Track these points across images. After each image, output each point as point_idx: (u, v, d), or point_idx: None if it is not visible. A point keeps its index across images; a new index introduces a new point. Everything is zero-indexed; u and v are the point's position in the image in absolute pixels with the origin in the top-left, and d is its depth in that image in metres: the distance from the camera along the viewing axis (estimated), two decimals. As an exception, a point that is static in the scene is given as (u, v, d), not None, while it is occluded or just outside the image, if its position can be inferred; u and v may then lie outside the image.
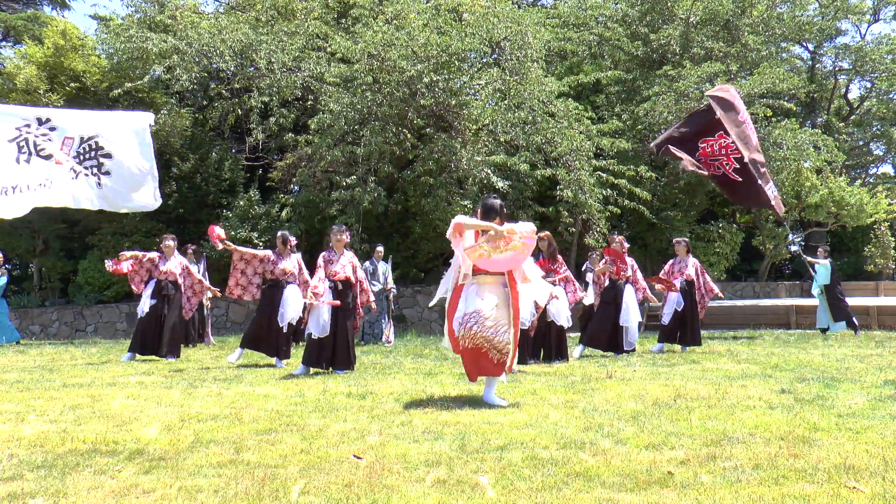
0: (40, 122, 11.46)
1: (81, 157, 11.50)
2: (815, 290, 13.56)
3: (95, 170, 11.54)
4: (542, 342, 9.76)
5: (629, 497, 3.51)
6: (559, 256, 10.00)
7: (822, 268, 13.38)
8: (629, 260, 10.80)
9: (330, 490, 3.65)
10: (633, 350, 10.57)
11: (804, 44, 24.16)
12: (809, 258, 13.84)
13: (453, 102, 14.55)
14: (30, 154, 11.26)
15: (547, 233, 10.11)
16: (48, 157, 11.34)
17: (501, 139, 14.95)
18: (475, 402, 6.12)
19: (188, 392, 6.97)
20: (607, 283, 10.75)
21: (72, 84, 16.32)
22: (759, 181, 11.91)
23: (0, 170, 11.08)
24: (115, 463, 4.21)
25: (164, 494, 3.63)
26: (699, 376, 7.75)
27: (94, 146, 11.57)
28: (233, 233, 16.15)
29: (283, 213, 16.02)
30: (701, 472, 3.86)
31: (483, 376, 6.19)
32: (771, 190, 12.23)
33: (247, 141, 17.72)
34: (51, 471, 4.05)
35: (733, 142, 11.73)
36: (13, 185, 11.05)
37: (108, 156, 11.63)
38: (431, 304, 7.14)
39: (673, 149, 12.13)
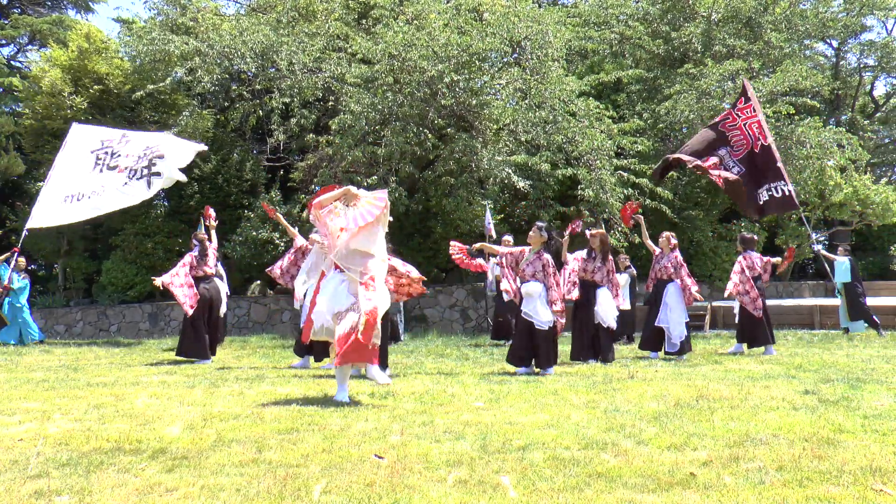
0: (123, 137, 12.62)
1: (138, 161, 12.09)
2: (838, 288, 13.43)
3: (146, 171, 12.07)
4: (592, 343, 9.74)
5: (651, 498, 3.49)
6: (610, 258, 9.91)
7: (841, 265, 13.25)
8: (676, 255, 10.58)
9: (351, 489, 3.66)
10: (680, 351, 10.07)
11: (828, 41, 23.90)
12: (826, 253, 13.65)
13: (474, 102, 14.54)
14: (102, 167, 12.03)
15: (602, 231, 10.08)
16: (114, 168, 12.04)
17: (522, 139, 14.92)
18: (497, 403, 6.11)
19: (210, 391, 7.02)
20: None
21: (95, 87, 16.49)
22: (764, 178, 11.70)
23: (72, 179, 12.17)
24: (138, 461, 4.24)
25: (186, 493, 3.66)
26: (721, 377, 7.70)
27: (152, 152, 12.17)
28: (254, 233, 16.27)
29: (305, 214, 16.08)
30: (724, 474, 3.83)
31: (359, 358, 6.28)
32: (775, 188, 11.90)
33: (268, 142, 17.82)
34: (76, 469, 4.09)
35: (722, 158, 11.68)
36: (75, 194, 11.84)
37: (161, 157, 12.17)
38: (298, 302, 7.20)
39: (672, 158, 12.05)
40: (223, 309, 11.16)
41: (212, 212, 11.33)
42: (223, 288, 11.02)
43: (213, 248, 10.91)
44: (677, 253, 10.47)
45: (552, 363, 8.49)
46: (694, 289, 10.22)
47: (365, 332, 6.11)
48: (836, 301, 14.16)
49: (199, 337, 10.44)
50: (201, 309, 10.48)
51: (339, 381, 6.44)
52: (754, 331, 10.66)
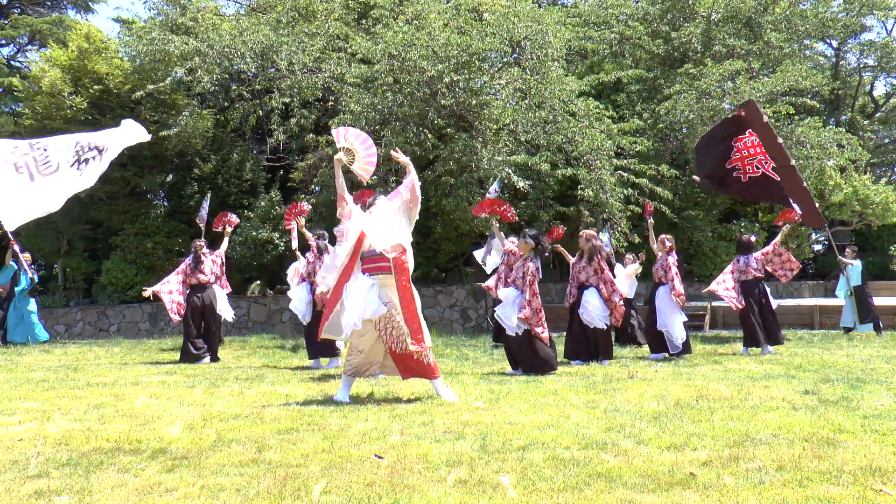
0: (32, 146, 11.70)
1: (80, 155, 11.64)
2: (843, 291, 13.38)
3: (93, 158, 11.67)
4: (585, 343, 9.74)
5: (651, 498, 3.49)
6: (596, 257, 9.85)
7: (855, 269, 13.24)
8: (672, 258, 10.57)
9: (351, 489, 3.66)
10: (682, 352, 10.10)
11: (828, 41, 23.89)
12: (845, 259, 13.65)
13: (474, 102, 14.52)
14: (31, 175, 11.46)
15: (589, 231, 10.07)
16: (53, 172, 11.54)
17: (522, 139, 14.90)
18: (496, 403, 6.11)
19: (210, 391, 7.02)
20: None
21: (95, 87, 16.47)
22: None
23: (12, 185, 11.37)
24: (138, 461, 4.24)
25: (186, 493, 3.66)
26: (721, 377, 7.69)
27: (89, 147, 11.72)
28: (254, 233, 16.27)
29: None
30: (723, 474, 3.83)
31: (420, 375, 6.46)
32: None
33: (268, 142, 17.82)
34: (76, 469, 4.09)
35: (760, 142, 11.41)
36: (23, 196, 11.33)
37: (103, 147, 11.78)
38: (321, 290, 7.27)
39: (708, 173, 11.81)
40: (227, 314, 11.06)
41: (234, 218, 11.34)
42: (221, 294, 10.95)
43: (217, 253, 10.91)
44: (670, 256, 10.47)
45: (538, 371, 8.41)
46: (672, 293, 10.21)
47: (417, 345, 6.29)
48: (837, 301, 14.15)
49: (190, 342, 10.64)
50: (191, 315, 10.64)
51: (344, 382, 6.45)
52: (747, 331, 10.72)
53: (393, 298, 6.31)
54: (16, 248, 13.08)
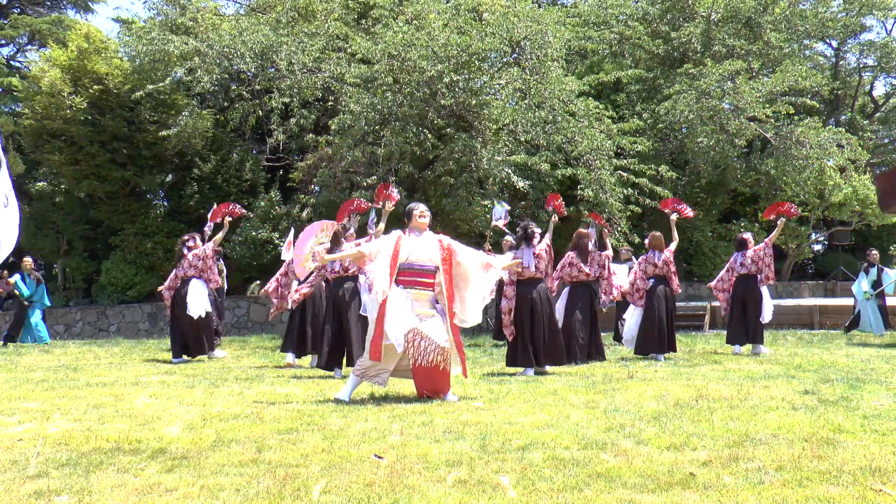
0: None
1: None
2: (863, 293, 13.30)
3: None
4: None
5: (651, 498, 3.49)
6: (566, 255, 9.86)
7: (886, 274, 13.26)
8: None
9: (351, 489, 3.66)
10: (624, 345, 10.71)
11: (828, 41, 23.89)
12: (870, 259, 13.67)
13: (473, 102, 14.52)
14: None
15: (580, 230, 10.09)
16: None
17: (522, 139, 14.91)
18: (496, 403, 6.11)
19: (210, 391, 7.02)
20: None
21: (95, 87, 16.48)
22: None
23: None
24: (138, 461, 4.24)
25: (186, 493, 3.65)
26: (721, 377, 7.69)
27: None
28: (254, 233, 16.27)
29: (304, 214, 16.09)
30: (723, 474, 3.83)
31: (437, 390, 6.37)
32: None
33: (267, 142, 17.84)
34: (75, 469, 4.09)
35: None
36: None
37: None
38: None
39: None
40: (194, 309, 10.41)
41: (239, 209, 11.13)
42: (196, 288, 10.54)
43: (204, 247, 10.76)
44: (647, 254, 10.48)
45: (508, 362, 8.61)
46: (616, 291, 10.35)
47: (446, 363, 6.32)
48: (836, 301, 14.14)
49: (172, 337, 10.78)
50: (173, 310, 10.70)
51: (350, 382, 6.45)
52: (728, 326, 10.78)
53: (422, 312, 6.33)
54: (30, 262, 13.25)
